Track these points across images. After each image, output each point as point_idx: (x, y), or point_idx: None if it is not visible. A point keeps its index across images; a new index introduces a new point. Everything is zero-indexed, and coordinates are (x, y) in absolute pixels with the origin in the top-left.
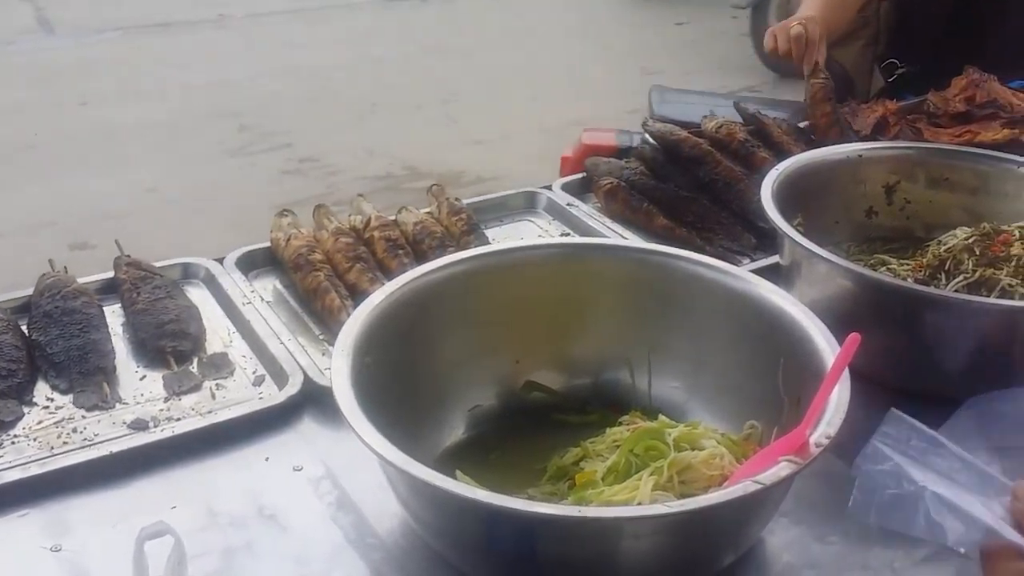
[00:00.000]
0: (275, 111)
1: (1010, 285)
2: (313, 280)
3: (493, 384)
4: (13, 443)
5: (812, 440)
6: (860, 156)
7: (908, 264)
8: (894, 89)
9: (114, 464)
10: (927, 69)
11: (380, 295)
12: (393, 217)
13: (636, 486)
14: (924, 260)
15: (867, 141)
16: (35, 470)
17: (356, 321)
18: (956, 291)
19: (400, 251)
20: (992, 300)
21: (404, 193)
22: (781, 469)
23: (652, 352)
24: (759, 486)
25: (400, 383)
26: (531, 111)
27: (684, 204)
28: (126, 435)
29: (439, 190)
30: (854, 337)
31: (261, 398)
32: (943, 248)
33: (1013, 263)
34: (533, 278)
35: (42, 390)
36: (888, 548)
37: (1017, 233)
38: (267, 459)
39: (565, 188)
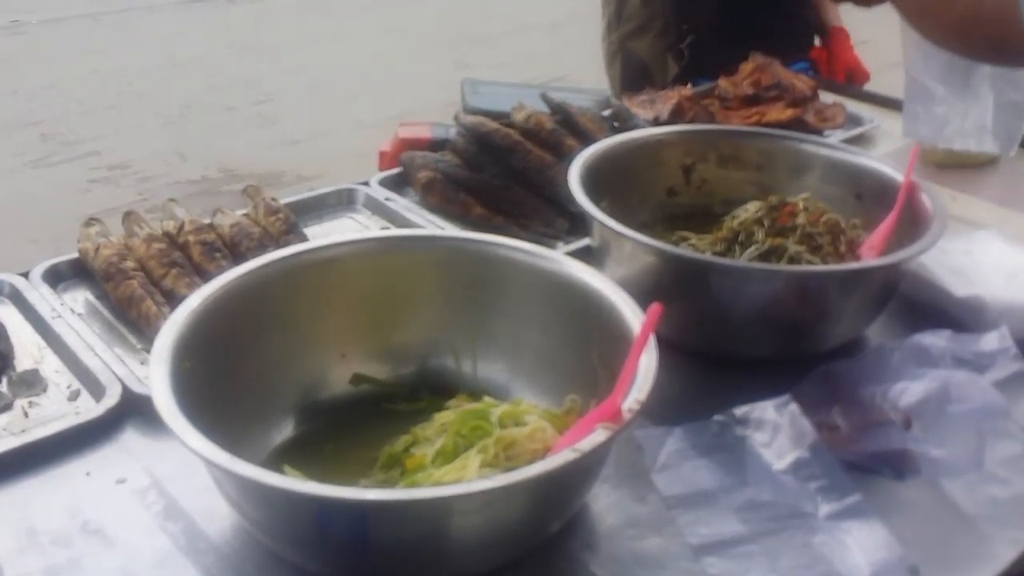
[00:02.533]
0: (78, 119)
1: (797, 252)
2: (127, 288)
3: (320, 380)
4: None
5: (624, 407)
6: (659, 140)
7: (707, 238)
8: (687, 75)
9: None
10: (711, 54)
11: (196, 299)
12: (208, 220)
13: (464, 465)
14: (720, 234)
15: (666, 126)
16: None
17: (173, 326)
18: (750, 260)
19: (217, 254)
20: (780, 266)
21: (222, 196)
22: (597, 436)
23: (474, 336)
24: (577, 454)
25: (222, 386)
26: (348, 108)
27: (499, 193)
28: None
29: (255, 190)
30: (655, 307)
31: (78, 413)
32: (736, 221)
33: (799, 232)
34: (352, 272)
35: None
36: None
37: (801, 204)
38: (88, 474)
39: (383, 183)
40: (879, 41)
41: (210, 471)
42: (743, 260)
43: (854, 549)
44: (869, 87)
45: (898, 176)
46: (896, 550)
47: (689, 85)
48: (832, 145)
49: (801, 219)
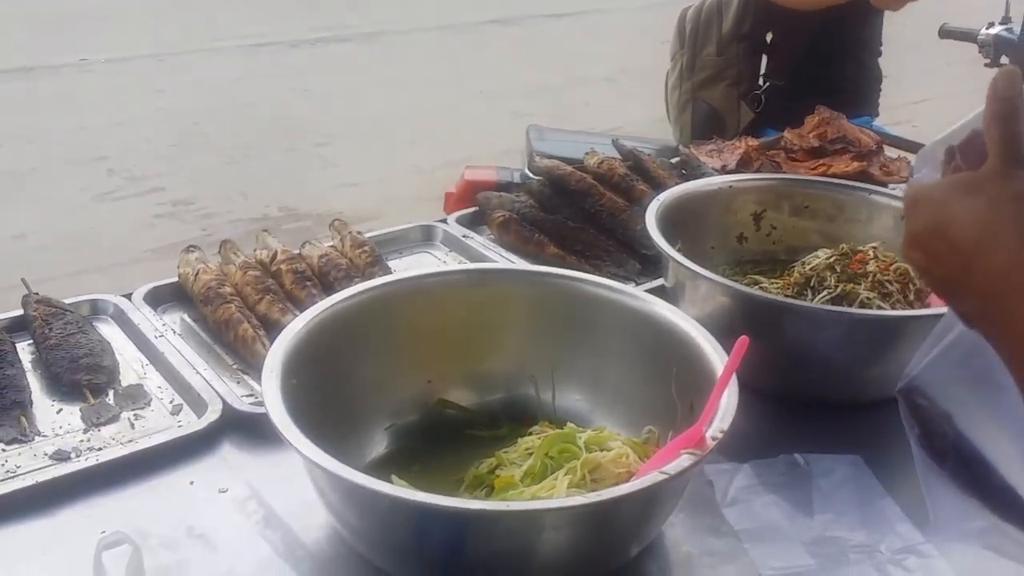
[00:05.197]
0: (143, 156)
1: (868, 298)
2: (224, 312)
3: (408, 403)
4: None
5: (708, 435)
6: (731, 187)
7: (777, 283)
8: (758, 125)
9: (39, 494)
10: (780, 104)
11: (300, 322)
12: (298, 251)
13: (553, 485)
14: (792, 279)
15: (736, 174)
16: None
17: (281, 345)
18: (822, 304)
19: (308, 282)
20: (852, 310)
21: (282, 235)
22: (683, 460)
23: (555, 368)
24: (665, 475)
25: (323, 403)
26: (405, 154)
27: (573, 234)
28: (48, 466)
29: (341, 224)
30: (743, 340)
31: (180, 426)
32: (808, 267)
33: (870, 279)
34: (441, 302)
35: None
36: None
37: (871, 253)
38: (191, 483)
39: (459, 221)
40: (940, 101)
41: (315, 479)
42: (815, 303)
43: None
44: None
45: None
46: None
47: (753, 136)
48: (900, 196)
49: (871, 267)
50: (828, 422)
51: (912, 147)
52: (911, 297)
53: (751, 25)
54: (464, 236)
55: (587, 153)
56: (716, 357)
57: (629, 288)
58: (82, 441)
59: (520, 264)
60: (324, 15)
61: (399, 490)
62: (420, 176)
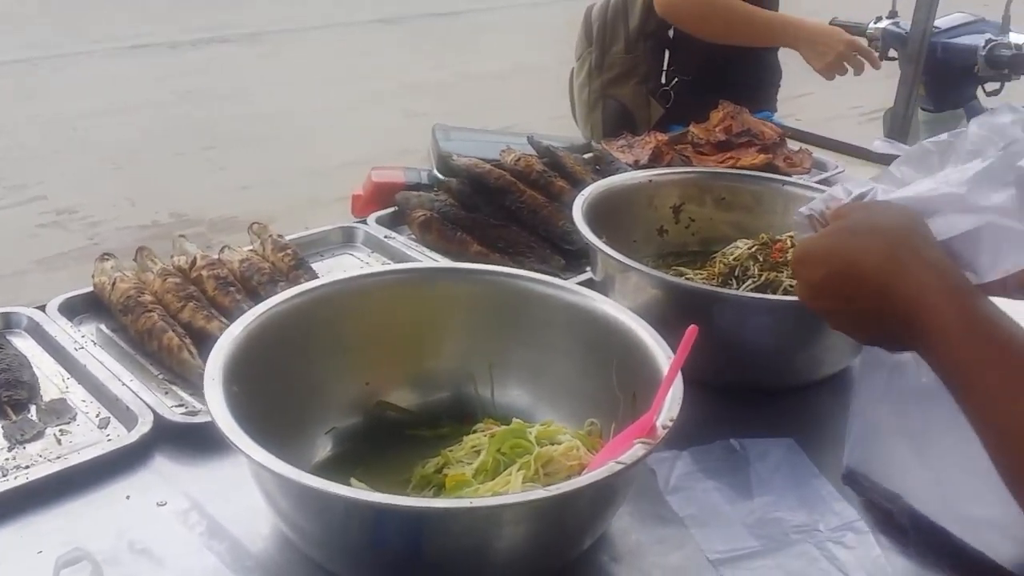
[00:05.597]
0: (21, 163)
1: (791, 285)
2: (147, 321)
3: (349, 406)
4: None
5: (658, 423)
6: (651, 181)
7: (701, 273)
8: (666, 121)
9: None
10: (688, 100)
11: (238, 327)
12: (217, 256)
13: (507, 480)
14: (716, 269)
15: (652, 169)
16: None
17: (220, 352)
18: (748, 292)
19: (231, 288)
20: (779, 297)
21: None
22: (638, 450)
23: (495, 365)
24: (622, 465)
25: (264, 409)
26: (296, 156)
27: (495, 231)
28: None
29: (261, 228)
30: (692, 329)
31: (110, 440)
32: (731, 257)
33: (791, 267)
34: (379, 304)
35: None
36: None
37: (789, 242)
38: (128, 497)
39: (379, 222)
40: (823, 94)
41: (265, 485)
42: (742, 291)
43: (860, 557)
44: (826, 135)
45: None
46: (900, 561)
47: (660, 132)
48: (814, 187)
49: (791, 255)
50: (760, 407)
51: (811, 139)
52: None
53: (656, 23)
54: (386, 237)
55: (503, 151)
56: (657, 347)
57: (567, 283)
58: (7, 460)
59: (456, 263)
60: (203, 16)
61: (361, 492)
62: (315, 178)
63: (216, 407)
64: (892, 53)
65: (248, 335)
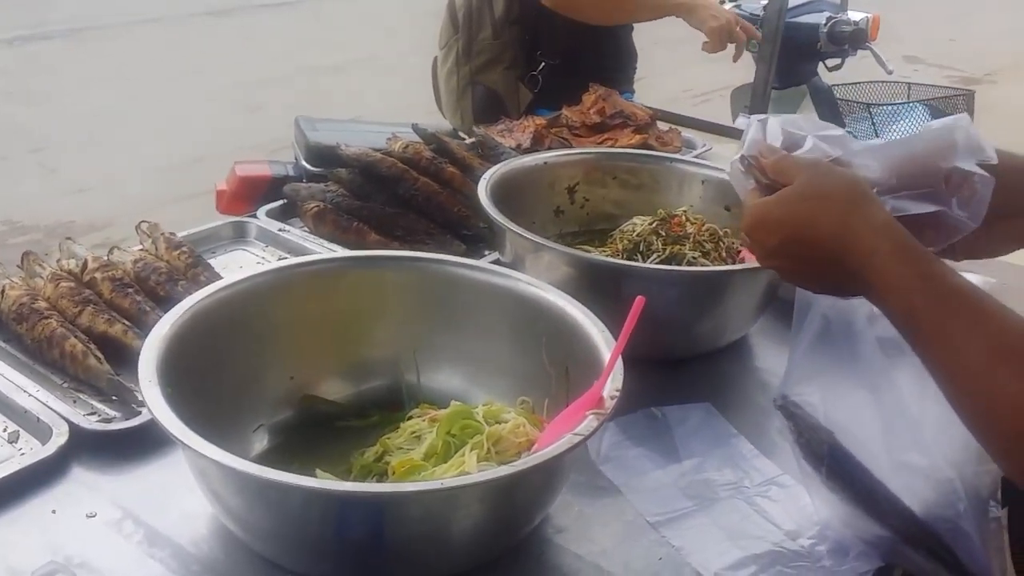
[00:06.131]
0: None
1: (693, 257)
2: (44, 328)
3: (278, 401)
4: None
5: (605, 394)
6: (546, 163)
7: (606, 250)
8: (535, 105)
9: None
10: (555, 83)
11: (165, 326)
12: (106, 257)
13: (462, 461)
14: (619, 245)
15: (539, 152)
16: None
17: (151, 353)
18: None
19: (130, 289)
20: (690, 268)
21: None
22: (591, 421)
23: (420, 350)
24: (580, 437)
25: (198, 408)
26: (133, 154)
27: (392, 219)
28: None
29: (152, 227)
30: (640, 300)
31: (23, 454)
32: (635, 234)
33: (691, 239)
34: (300, 296)
35: None
36: None
37: (685, 217)
38: (53, 511)
39: (269, 215)
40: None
41: (212, 483)
42: (650, 264)
43: (788, 509)
44: (692, 115)
45: None
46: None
47: (535, 115)
48: (701, 163)
49: (690, 228)
50: (673, 375)
51: (674, 119)
52: (724, 254)
53: (520, 9)
54: (280, 230)
55: (389, 139)
56: (588, 322)
57: (490, 265)
58: None
59: (378, 251)
60: (19, 12)
61: (330, 482)
62: (158, 176)
63: (159, 408)
64: None
65: (175, 334)
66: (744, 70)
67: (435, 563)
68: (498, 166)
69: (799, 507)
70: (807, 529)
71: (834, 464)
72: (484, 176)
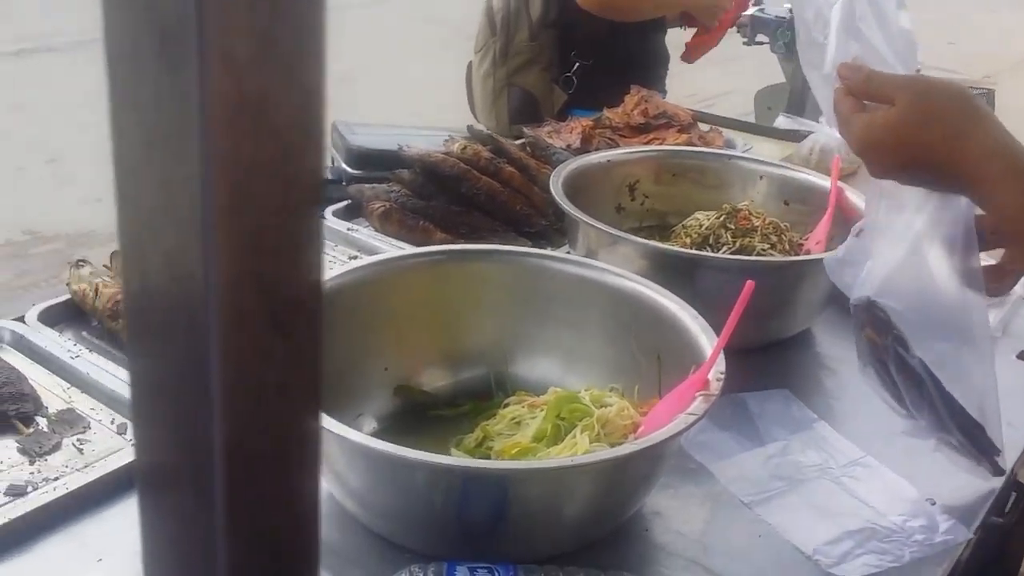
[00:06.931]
0: None
1: (763, 249)
2: None
3: (372, 390)
4: None
5: (711, 377)
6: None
7: (675, 244)
8: (569, 106)
9: (16, 530)
10: (589, 84)
11: None
12: None
13: (574, 443)
14: (686, 239)
15: (580, 153)
16: None
17: None
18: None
19: None
20: (764, 258)
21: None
22: (701, 403)
23: (510, 341)
24: (694, 416)
25: None
26: None
27: (457, 217)
28: (7, 503)
29: None
30: (749, 285)
31: (134, 444)
32: (702, 227)
33: (759, 233)
34: (397, 288)
35: None
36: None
37: (748, 211)
38: None
39: (336, 215)
40: (699, 82)
41: (335, 465)
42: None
43: (875, 488)
44: (721, 112)
45: (822, 183)
46: (911, 489)
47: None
48: (757, 159)
49: (757, 222)
50: (747, 363)
51: (711, 119)
52: (787, 247)
53: (557, 11)
54: (349, 229)
55: (446, 140)
56: (679, 310)
57: (579, 257)
58: (33, 473)
59: (468, 245)
60: (23, 25)
61: (463, 459)
62: None
63: None
64: (760, 38)
65: None
66: (736, 77)
67: (550, 541)
68: (564, 164)
69: (885, 485)
70: (896, 506)
71: (900, 367)
72: (554, 173)
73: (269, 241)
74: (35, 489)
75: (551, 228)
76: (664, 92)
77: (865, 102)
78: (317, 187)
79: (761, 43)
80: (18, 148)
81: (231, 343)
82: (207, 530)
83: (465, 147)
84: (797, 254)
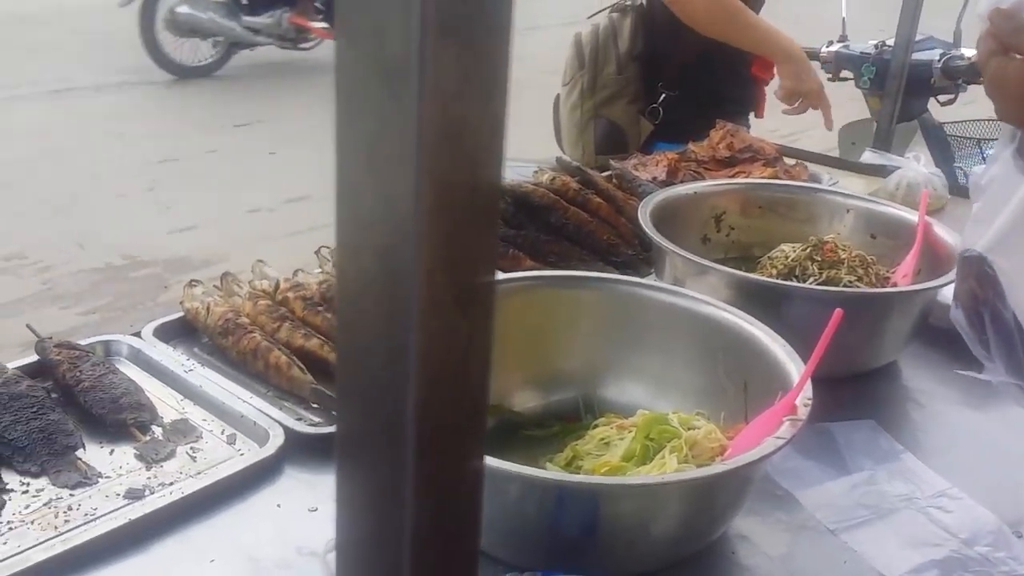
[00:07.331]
0: None
1: (850, 281)
2: (250, 341)
3: None
4: (11, 529)
5: (798, 402)
6: (696, 193)
7: (762, 275)
8: (654, 137)
9: (135, 531)
10: (673, 118)
11: None
12: (295, 279)
13: (663, 463)
14: (772, 270)
15: (700, 182)
16: (59, 548)
17: None
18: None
19: (319, 308)
20: (852, 290)
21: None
22: (789, 427)
23: (600, 365)
24: (783, 440)
25: None
26: (235, 195)
27: (546, 246)
28: (126, 505)
29: (331, 251)
30: (838, 312)
31: (242, 454)
32: (788, 258)
33: (845, 265)
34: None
35: (9, 478)
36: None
37: (834, 243)
38: (279, 506)
39: None
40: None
41: None
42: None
43: (961, 519)
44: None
45: (910, 217)
46: (996, 520)
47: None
48: (845, 193)
49: (844, 254)
50: (833, 393)
51: (794, 154)
52: (874, 280)
53: (643, 44)
54: None
55: (536, 171)
56: (765, 336)
57: (669, 285)
58: (150, 478)
59: (562, 271)
60: (123, 58)
61: (557, 473)
62: (256, 216)
63: None
64: (845, 73)
65: None
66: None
67: (638, 558)
68: (652, 195)
69: (973, 517)
70: (982, 537)
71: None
72: (642, 204)
73: (459, 239)
74: (152, 493)
75: (637, 258)
76: (748, 127)
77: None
78: (496, 197)
79: (845, 79)
80: (119, 176)
81: (427, 321)
82: (397, 491)
83: (554, 178)
84: (884, 287)
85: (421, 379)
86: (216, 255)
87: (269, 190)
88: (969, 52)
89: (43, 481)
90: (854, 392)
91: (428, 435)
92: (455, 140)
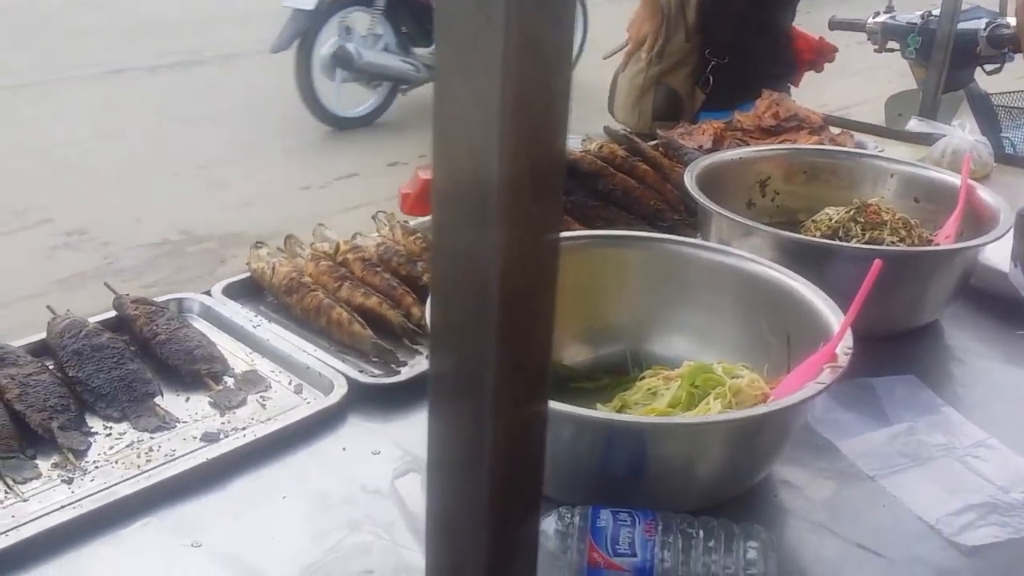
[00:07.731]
0: (19, 188)
1: (892, 241)
2: (313, 299)
3: None
4: (98, 467)
5: (839, 351)
6: (741, 159)
7: (807, 236)
8: (705, 107)
9: (212, 470)
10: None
11: None
12: (356, 242)
13: (707, 408)
14: (818, 232)
15: (746, 148)
16: (144, 482)
17: None
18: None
19: (377, 268)
20: (893, 247)
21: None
22: (830, 373)
23: (648, 321)
24: (822, 385)
25: None
26: (288, 172)
27: (593, 211)
28: (203, 447)
29: (388, 216)
30: (878, 263)
31: (308, 403)
32: (832, 220)
33: (888, 226)
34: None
35: (93, 422)
36: None
37: (877, 206)
38: (344, 449)
39: None
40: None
41: None
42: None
43: (998, 468)
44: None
45: (953, 180)
46: None
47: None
48: (889, 158)
49: (887, 216)
50: (875, 351)
51: (839, 123)
52: (916, 241)
53: (704, 18)
54: None
55: (584, 139)
56: (809, 292)
57: (715, 244)
58: (224, 423)
59: (609, 231)
60: (175, 40)
61: (608, 413)
62: (308, 193)
63: None
64: (891, 44)
65: None
66: (866, 86)
67: (683, 497)
68: (697, 160)
69: (1009, 466)
70: (1018, 484)
71: None
72: (688, 169)
73: (536, 135)
74: (226, 437)
75: (682, 223)
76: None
77: None
78: (567, 99)
79: (892, 50)
80: (174, 155)
81: (507, 203)
82: (481, 423)
83: (602, 146)
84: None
85: (503, 324)
86: (272, 231)
87: (317, 168)
88: (1015, 21)
89: (124, 425)
90: (896, 350)
91: (508, 375)
92: (530, 56)
